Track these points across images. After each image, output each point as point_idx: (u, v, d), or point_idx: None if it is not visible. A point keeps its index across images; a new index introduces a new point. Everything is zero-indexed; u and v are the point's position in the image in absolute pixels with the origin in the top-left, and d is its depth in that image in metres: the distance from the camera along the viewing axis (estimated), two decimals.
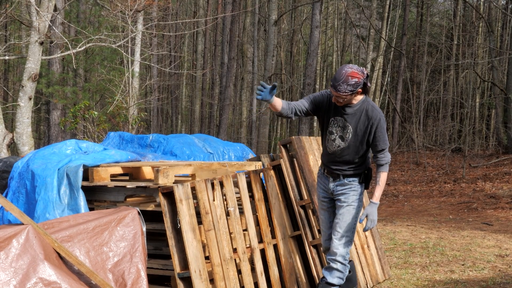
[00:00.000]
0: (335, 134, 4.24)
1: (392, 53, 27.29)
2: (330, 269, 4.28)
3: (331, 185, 4.34)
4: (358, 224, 4.62)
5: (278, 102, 4.14)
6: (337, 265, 4.25)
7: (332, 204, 4.42)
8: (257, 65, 25.81)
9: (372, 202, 4.19)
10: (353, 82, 3.98)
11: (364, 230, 4.23)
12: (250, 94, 26.80)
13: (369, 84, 4.11)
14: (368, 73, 4.11)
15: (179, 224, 3.92)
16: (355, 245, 5.31)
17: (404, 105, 27.81)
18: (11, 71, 26.17)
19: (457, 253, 7.08)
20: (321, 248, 4.68)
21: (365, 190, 4.52)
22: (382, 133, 4.12)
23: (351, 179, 4.27)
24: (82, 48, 9.50)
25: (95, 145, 5.12)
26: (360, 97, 4.16)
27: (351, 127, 4.17)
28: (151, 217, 4.43)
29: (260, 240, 4.68)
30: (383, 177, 4.18)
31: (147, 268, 4.10)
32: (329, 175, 4.36)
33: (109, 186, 4.48)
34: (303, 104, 4.26)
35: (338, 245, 4.24)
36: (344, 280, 4.32)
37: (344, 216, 4.25)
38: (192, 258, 3.91)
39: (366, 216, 4.18)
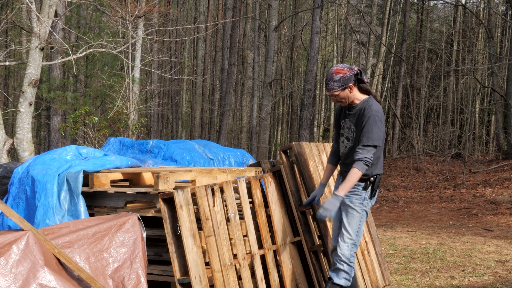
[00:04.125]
0: (344, 136, 4.41)
1: (392, 59, 27.33)
2: (336, 270, 4.34)
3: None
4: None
5: (330, 170, 4.60)
6: (344, 266, 4.31)
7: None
8: (258, 71, 25.84)
9: (335, 193, 4.20)
10: (338, 78, 4.16)
11: (317, 216, 4.24)
12: (251, 99, 26.81)
13: (365, 79, 4.23)
14: (360, 69, 4.23)
15: (179, 230, 3.92)
16: None
17: (404, 111, 27.83)
18: (11, 76, 26.19)
19: (457, 259, 7.08)
20: (330, 248, 4.72)
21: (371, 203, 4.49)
22: (368, 129, 4.12)
23: (356, 183, 4.28)
24: (83, 54, 9.52)
25: (95, 150, 5.11)
26: (362, 97, 4.28)
27: (353, 126, 4.29)
28: (151, 223, 4.43)
29: (260, 246, 4.67)
30: (351, 172, 4.11)
31: (147, 274, 4.10)
32: (341, 175, 4.50)
33: (109, 192, 4.48)
34: (336, 133, 4.53)
35: (342, 247, 4.32)
36: (351, 281, 4.37)
37: (348, 218, 4.32)
38: (192, 264, 3.91)
39: (323, 205, 4.13)
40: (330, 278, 4.37)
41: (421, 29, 28.49)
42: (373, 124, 4.12)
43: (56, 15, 12.96)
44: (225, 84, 21.99)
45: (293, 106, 30.12)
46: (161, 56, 20.15)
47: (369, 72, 23.61)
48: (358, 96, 4.27)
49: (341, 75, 4.16)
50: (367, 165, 4.12)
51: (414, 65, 28.77)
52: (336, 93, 4.20)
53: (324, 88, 4.74)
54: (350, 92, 4.22)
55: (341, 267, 4.31)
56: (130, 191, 4.39)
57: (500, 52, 22.94)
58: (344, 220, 4.33)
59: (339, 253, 4.31)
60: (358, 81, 4.23)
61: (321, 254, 4.99)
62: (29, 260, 3.30)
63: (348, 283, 4.35)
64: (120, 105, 12.23)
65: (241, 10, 23.27)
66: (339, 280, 4.31)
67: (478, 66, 23.65)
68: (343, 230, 4.32)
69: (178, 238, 3.98)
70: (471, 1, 29.59)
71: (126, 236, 3.87)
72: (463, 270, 6.40)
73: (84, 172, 4.47)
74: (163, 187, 4.09)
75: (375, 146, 4.12)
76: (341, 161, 4.48)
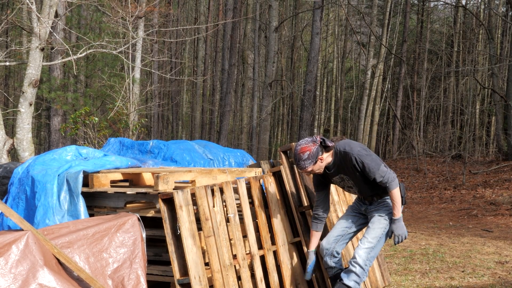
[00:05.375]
0: (345, 187, 4.58)
1: (392, 59, 27.33)
2: (348, 271, 4.39)
3: (366, 206, 4.58)
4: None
5: (317, 237, 4.64)
6: (356, 269, 4.35)
7: (357, 217, 4.63)
8: (258, 72, 25.85)
9: (393, 218, 4.39)
10: (307, 156, 4.28)
11: (395, 243, 4.43)
12: (251, 100, 26.82)
13: (329, 143, 4.34)
14: (322, 137, 4.36)
15: (179, 230, 3.92)
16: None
17: (405, 111, 27.84)
18: (12, 77, 26.19)
19: (457, 260, 7.08)
20: (319, 249, 4.68)
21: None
22: (364, 166, 4.27)
23: (383, 197, 4.50)
24: (83, 54, 9.52)
25: (95, 151, 5.12)
26: (330, 153, 4.39)
27: (346, 176, 4.42)
28: (151, 223, 4.43)
29: (260, 247, 4.67)
30: (393, 195, 4.33)
31: (147, 274, 4.10)
32: (366, 201, 4.60)
33: (109, 192, 4.49)
34: (319, 200, 4.61)
35: (360, 249, 4.37)
36: (360, 286, 4.40)
37: (374, 224, 4.44)
38: (192, 265, 3.91)
39: (394, 233, 4.41)
40: (340, 279, 4.39)
41: (422, 30, 28.49)
42: (364, 158, 4.27)
43: (56, 15, 12.97)
44: (225, 85, 21.99)
45: (293, 107, 30.13)
46: (162, 57, 20.16)
47: (369, 73, 23.61)
48: (329, 156, 4.38)
49: (308, 152, 4.26)
50: (395, 179, 4.33)
51: (415, 66, 28.78)
52: (309, 169, 4.32)
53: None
54: (322, 162, 4.34)
55: (353, 269, 4.35)
56: (130, 191, 4.40)
57: (500, 53, 22.94)
58: (370, 225, 4.46)
59: (355, 254, 4.38)
60: (324, 148, 4.35)
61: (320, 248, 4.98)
62: (28, 260, 3.31)
63: (358, 286, 4.36)
64: (121, 106, 12.23)
65: (241, 11, 23.28)
66: (348, 281, 4.34)
67: (478, 67, 23.66)
68: (366, 235, 4.43)
69: (177, 239, 3.98)
70: (472, 2, 29.61)
71: (125, 237, 3.87)
72: (462, 271, 6.40)
73: (84, 172, 4.47)
74: (163, 187, 4.09)
75: (380, 165, 4.30)
76: (362, 195, 4.57)
